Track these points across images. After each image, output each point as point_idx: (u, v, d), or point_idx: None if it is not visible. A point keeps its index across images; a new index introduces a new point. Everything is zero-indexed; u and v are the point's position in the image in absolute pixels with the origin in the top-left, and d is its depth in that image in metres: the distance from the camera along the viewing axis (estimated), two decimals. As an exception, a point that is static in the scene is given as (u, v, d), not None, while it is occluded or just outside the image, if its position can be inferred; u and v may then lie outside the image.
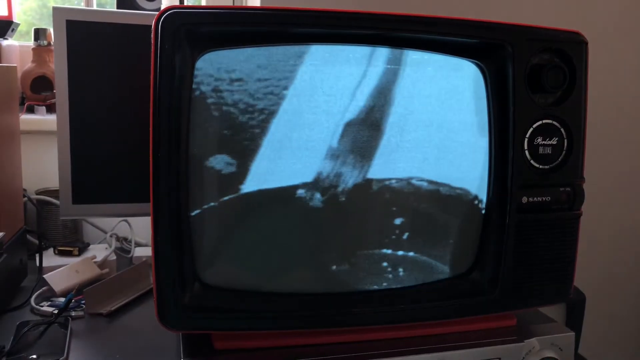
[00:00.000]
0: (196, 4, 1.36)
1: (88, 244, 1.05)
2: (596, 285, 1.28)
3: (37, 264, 0.95)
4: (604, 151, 1.28)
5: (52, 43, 1.16)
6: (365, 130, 0.59)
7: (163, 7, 1.14)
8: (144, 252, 1.08)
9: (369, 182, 0.60)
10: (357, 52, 0.59)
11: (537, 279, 0.67)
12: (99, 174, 0.89)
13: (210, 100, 0.56)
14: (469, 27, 0.62)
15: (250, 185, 0.58)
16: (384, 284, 0.63)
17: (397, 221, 0.62)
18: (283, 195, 0.59)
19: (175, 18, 0.53)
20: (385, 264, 0.63)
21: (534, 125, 0.64)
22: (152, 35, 0.54)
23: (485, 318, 0.67)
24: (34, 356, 0.67)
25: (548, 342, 0.66)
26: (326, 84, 0.58)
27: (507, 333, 0.67)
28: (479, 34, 0.62)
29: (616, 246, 1.36)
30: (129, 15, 0.90)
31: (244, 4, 1.19)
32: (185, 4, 1.17)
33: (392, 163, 0.61)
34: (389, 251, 0.62)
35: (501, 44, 0.62)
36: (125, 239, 1.11)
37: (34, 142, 1.10)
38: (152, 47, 0.54)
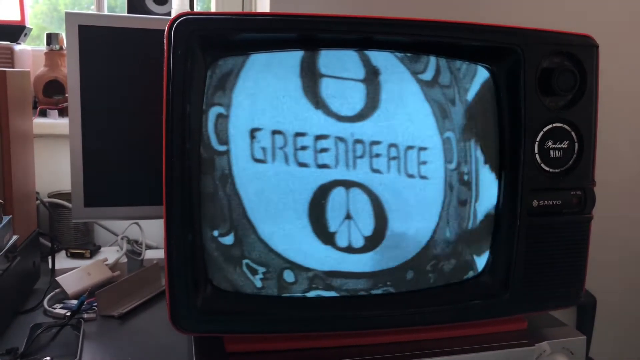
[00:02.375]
0: (205, 9, 1.37)
1: (99, 247, 1.06)
2: (607, 289, 1.27)
3: (50, 266, 0.96)
4: (615, 154, 1.27)
5: (64, 47, 1.17)
6: (375, 136, 0.58)
7: (173, 10, 1.15)
8: (155, 254, 1.08)
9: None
10: (366, 57, 0.59)
11: (548, 282, 0.67)
12: (111, 177, 0.90)
13: (222, 105, 0.56)
14: (480, 31, 0.62)
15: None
16: (396, 287, 0.63)
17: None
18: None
19: (188, 24, 0.54)
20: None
21: (545, 129, 0.64)
22: (165, 41, 0.55)
23: (496, 321, 0.67)
24: (48, 358, 0.67)
25: (559, 346, 0.66)
26: (336, 89, 0.58)
27: (518, 336, 0.67)
28: (489, 38, 0.62)
29: (627, 249, 1.35)
30: (140, 20, 0.91)
31: (253, 9, 1.20)
32: (195, 9, 1.18)
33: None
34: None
35: (512, 48, 0.62)
36: (136, 242, 1.12)
37: (46, 146, 1.11)
38: (165, 52, 0.55)
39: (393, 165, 0.52)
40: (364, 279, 0.59)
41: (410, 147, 0.52)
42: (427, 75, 0.55)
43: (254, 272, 0.52)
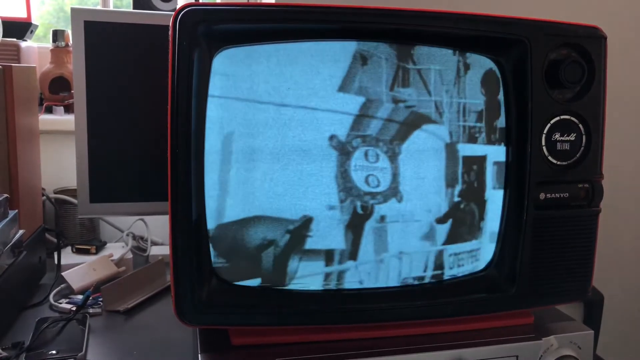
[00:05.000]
0: (211, 0, 1.37)
1: (105, 243, 1.06)
2: (615, 285, 1.27)
3: (56, 261, 0.96)
4: (623, 147, 1.26)
5: (69, 44, 1.18)
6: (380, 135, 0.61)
7: (179, 7, 1.16)
8: (160, 250, 1.09)
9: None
10: (370, 48, 0.59)
11: (555, 276, 0.66)
12: (116, 173, 0.90)
13: (227, 97, 0.56)
14: (486, 23, 0.62)
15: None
16: (402, 281, 0.63)
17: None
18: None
19: (193, 15, 0.54)
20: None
21: (552, 121, 0.64)
22: (170, 33, 0.55)
23: (502, 315, 0.67)
24: (54, 352, 0.68)
25: (566, 340, 0.65)
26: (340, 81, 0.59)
27: (525, 331, 0.66)
28: (496, 29, 0.62)
29: (635, 245, 1.34)
30: (146, 16, 0.91)
31: (259, 1, 1.20)
32: (202, 1, 1.18)
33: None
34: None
35: (519, 39, 0.62)
36: (142, 238, 1.12)
37: (52, 142, 1.11)
38: (170, 44, 0.55)
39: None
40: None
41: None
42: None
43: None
